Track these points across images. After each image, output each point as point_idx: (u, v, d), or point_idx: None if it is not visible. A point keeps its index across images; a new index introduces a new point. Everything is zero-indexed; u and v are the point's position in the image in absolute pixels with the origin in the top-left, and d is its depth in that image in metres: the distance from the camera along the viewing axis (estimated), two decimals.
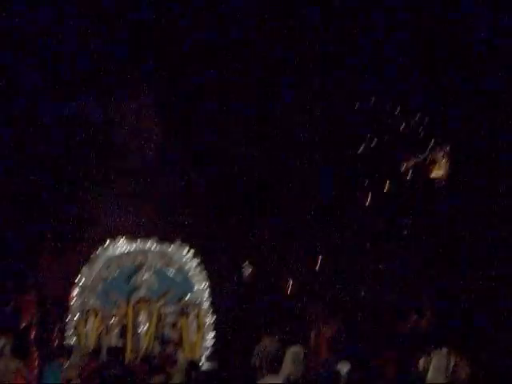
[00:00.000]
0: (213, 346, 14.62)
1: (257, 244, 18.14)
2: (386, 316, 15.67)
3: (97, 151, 18.68)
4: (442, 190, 16.91)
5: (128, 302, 14.45)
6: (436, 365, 10.58)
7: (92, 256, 14.70)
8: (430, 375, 10.61)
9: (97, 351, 12.92)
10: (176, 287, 14.72)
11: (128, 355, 13.87)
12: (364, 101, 17.70)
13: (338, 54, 17.76)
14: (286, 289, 18.02)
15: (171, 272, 14.85)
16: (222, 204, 18.51)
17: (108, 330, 14.25)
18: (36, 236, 17.68)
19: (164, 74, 18.62)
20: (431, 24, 16.70)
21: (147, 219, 17.40)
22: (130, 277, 14.68)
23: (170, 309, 14.57)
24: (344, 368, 10.22)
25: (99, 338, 14.13)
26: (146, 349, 14.10)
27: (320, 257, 17.86)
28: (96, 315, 14.24)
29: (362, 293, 16.94)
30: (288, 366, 10.32)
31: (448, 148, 16.84)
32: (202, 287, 14.82)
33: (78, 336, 14.09)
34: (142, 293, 14.51)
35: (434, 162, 16.98)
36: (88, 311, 14.23)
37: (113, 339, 14.16)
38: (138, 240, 14.99)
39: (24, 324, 15.08)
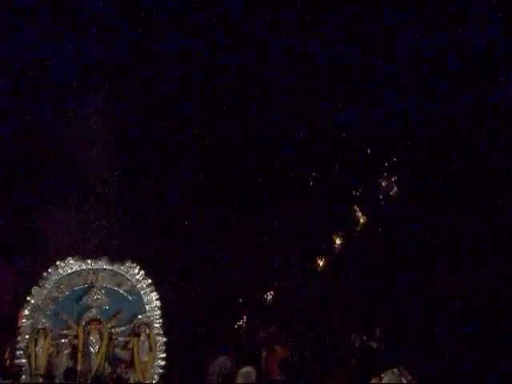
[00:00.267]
0: (164, 366, 14.57)
1: (208, 262, 18.19)
2: (337, 335, 15.84)
3: (47, 166, 18.53)
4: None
5: (79, 323, 14.31)
6: None
7: (43, 275, 14.54)
8: None
9: (49, 372, 12.79)
10: (128, 307, 14.63)
11: (79, 376, 13.73)
12: None
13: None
14: (236, 307, 18.09)
15: (123, 291, 14.77)
16: (174, 222, 18.52)
17: (59, 350, 14.10)
18: None
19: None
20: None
21: (98, 238, 17.32)
22: (80, 297, 14.54)
23: (121, 329, 14.49)
24: None
25: (50, 358, 13.97)
26: (97, 369, 13.98)
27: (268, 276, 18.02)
28: (46, 335, 14.07)
29: (312, 312, 17.11)
30: None
31: None
32: (153, 307, 14.77)
33: (29, 356, 13.89)
34: (93, 313, 14.39)
35: None
36: (38, 331, 14.05)
37: (63, 360, 14.02)
38: (89, 259, 14.88)
39: None
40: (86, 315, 14.35)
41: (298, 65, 18.55)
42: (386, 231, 17.73)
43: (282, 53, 18.70)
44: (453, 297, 15.57)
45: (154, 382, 14.09)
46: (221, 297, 18.04)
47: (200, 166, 19.09)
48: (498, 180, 16.24)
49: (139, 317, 14.58)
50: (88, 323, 14.29)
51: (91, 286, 14.59)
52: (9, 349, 14.66)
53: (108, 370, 14.07)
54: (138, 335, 14.42)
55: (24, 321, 14.18)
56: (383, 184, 18.82)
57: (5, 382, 11.68)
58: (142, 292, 14.81)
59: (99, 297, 14.53)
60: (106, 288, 14.66)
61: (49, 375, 12.94)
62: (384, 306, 16.09)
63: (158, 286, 15.00)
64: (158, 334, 14.60)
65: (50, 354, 13.98)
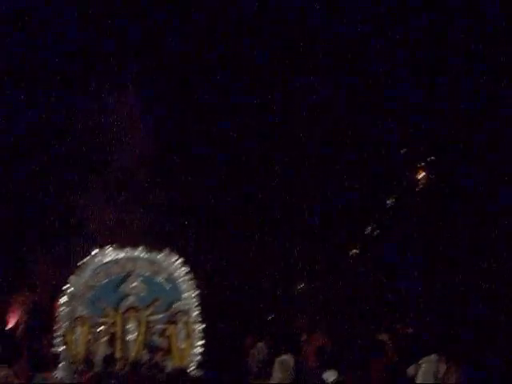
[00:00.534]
0: (201, 353, 14.57)
1: (246, 251, 18.16)
2: (374, 323, 15.70)
3: (87, 159, 18.66)
4: None
5: (117, 310, 14.40)
6: (425, 371, 10.59)
7: (80, 264, 14.64)
8: (419, 382, 10.62)
9: (88, 360, 12.87)
10: (165, 295, 14.67)
11: (117, 363, 13.78)
12: None
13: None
14: (274, 296, 18.04)
15: (160, 280, 14.80)
16: (211, 214, 18.52)
17: (96, 338, 14.18)
18: (24, 243, 17.63)
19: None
20: None
21: (136, 227, 17.39)
22: (118, 285, 14.62)
23: (158, 317, 14.52)
24: (331, 377, 10.22)
25: (88, 346, 14.05)
26: (135, 357, 14.02)
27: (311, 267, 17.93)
28: (84, 323, 14.17)
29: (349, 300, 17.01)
30: (277, 375, 10.34)
31: None
32: (190, 295, 14.78)
33: (67, 344, 14.01)
34: (130, 301, 14.47)
35: None
36: (76, 319, 14.16)
37: (101, 347, 14.10)
38: (127, 248, 14.94)
39: (12, 332, 15.00)
40: (123, 303, 14.46)
41: None
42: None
43: None
44: (494, 288, 15.27)
45: (191, 369, 14.07)
46: (259, 285, 18.00)
47: (239, 161, 19.09)
48: None
49: (176, 305, 14.61)
50: (126, 311, 14.38)
51: (129, 275, 14.66)
52: (47, 337, 14.78)
53: (146, 357, 14.11)
54: (175, 323, 14.45)
55: (62, 309, 14.28)
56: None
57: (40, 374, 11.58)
58: (179, 280, 14.83)
59: (137, 285, 14.60)
60: (143, 276, 14.72)
61: (87, 363, 12.97)
62: (423, 295, 15.90)
63: (195, 274, 15.00)
64: (195, 322, 14.61)
65: (87, 342, 14.09)
